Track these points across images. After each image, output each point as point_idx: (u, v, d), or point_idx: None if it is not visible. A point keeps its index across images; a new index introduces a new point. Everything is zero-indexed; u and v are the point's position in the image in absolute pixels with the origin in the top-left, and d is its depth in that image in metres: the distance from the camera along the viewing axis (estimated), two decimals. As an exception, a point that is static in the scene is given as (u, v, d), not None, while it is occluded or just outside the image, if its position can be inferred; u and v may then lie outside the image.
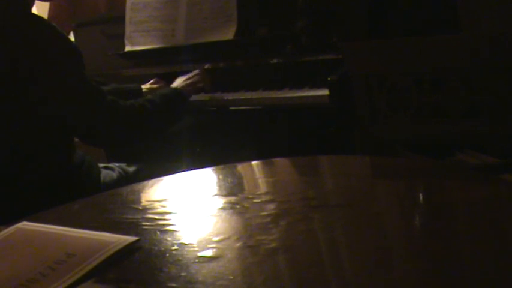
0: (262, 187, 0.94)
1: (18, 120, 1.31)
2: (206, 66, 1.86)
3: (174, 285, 0.62)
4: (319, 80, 1.61)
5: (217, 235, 0.74)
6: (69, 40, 1.38)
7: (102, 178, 1.53)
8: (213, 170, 1.06)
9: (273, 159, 1.08)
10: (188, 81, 1.77)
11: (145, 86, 1.90)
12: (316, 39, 1.64)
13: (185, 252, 0.70)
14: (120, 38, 2.06)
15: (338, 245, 0.70)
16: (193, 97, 1.82)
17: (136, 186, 1.05)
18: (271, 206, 0.81)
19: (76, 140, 1.50)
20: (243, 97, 1.77)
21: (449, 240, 0.66)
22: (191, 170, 1.07)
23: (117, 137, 1.51)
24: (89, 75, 1.43)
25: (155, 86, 1.89)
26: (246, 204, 0.84)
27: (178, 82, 1.78)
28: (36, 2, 1.53)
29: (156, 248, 0.72)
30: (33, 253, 0.75)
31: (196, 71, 1.83)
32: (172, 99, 1.65)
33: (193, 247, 0.71)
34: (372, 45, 1.43)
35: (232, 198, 0.87)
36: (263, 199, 0.84)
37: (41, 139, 1.36)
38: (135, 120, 1.48)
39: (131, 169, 1.66)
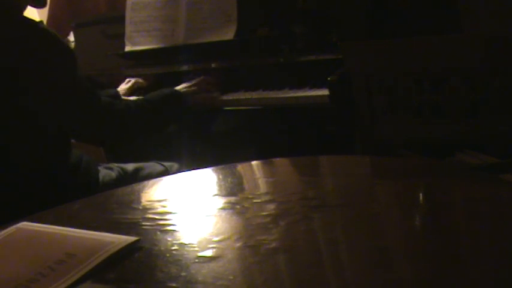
0: (262, 187, 0.94)
1: (14, 121, 1.32)
2: (213, 65, 1.85)
3: (174, 285, 0.62)
4: (319, 80, 1.61)
5: (217, 235, 0.74)
6: (62, 42, 1.38)
7: (101, 178, 1.53)
8: (213, 170, 1.06)
9: (273, 159, 1.08)
10: (192, 88, 1.77)
11: (121, 89, 1.91)
12: (316, 39, 1.64)
13: (185, 252, 0.70)
14: (120, 38, 2.06)
15: (338, 245, 0.70)
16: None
17: (136, 186, 1.05)
18: (271, 206, 0.81)
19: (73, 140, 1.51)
20: (243, 97, 1.77)
21: (449, 240, 0.66)
22: (191, 170, 1.07)
23: (111, 137, 1.55)
24: (86, 76, 1.44)
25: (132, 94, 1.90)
26: (246, 204, 0.84)
27: (181, 86, 1.78)
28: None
29: (156, 248, 0.72)
30: (33, 253, 0.75)
31: (201, 78, 1.82)
32: (171, 101, 1.65)
33: (193, 247, 0.71)
34: (372, 45, 1.43)
35: (232, 198, 0.87)
36: (263, 199, 0.84)
37: (38, 139, 1.36)
38: (130, 121, 1.50)
39: (130, 169, 1.66)
